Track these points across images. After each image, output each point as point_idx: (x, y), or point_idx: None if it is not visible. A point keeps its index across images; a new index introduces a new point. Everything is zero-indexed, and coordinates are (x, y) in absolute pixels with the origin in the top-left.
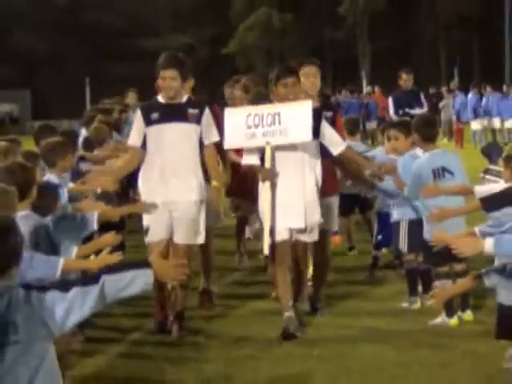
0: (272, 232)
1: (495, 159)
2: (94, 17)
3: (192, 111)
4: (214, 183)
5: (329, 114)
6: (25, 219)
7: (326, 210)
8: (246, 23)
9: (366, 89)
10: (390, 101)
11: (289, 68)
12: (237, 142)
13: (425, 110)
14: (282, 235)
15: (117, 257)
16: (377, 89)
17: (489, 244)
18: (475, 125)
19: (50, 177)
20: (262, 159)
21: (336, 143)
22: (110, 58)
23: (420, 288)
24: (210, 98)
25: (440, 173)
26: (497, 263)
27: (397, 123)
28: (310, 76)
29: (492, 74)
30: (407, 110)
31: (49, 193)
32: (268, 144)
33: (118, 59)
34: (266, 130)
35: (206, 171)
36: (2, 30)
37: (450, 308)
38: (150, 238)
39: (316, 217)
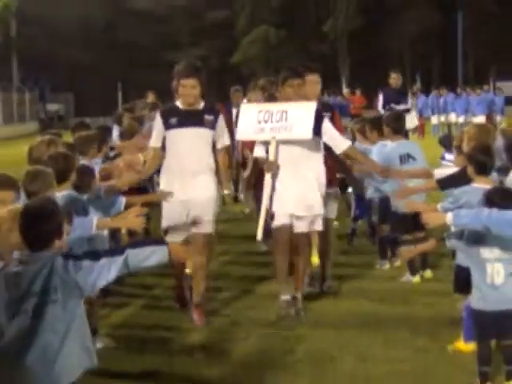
0: (272, 219)
1: (450, 148)
2: (125, 34)
3: (208, 117)
4: (226, 192)
5: (327, 114)
6: (66, 197)
7: (326, 201)
8: (249, 38)
9: (344, 91)
10: (380, 96)
11: (295, 70)
12: (247, 134)
13: (408, 106)
14: (281, 220)
15: (141, 222)
16: (357, 92)
17: (449, 216)
18: (434, 120)
19: (83, 162)
20: (267, 151)
21: (338, 143)
22: (137, 67)
23: (389, 253)
24: (219, 99)
25: (405, 158)
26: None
27: (369, 120)
28: (313, 83)
29: (448, 78)
30: (393, 105)
31: (86, 175)
32: (273, 138)
33: (144, 68)
34: (274, 126)
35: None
36: (54, 45)
37: (413, 268)
38: (170, 239)
39: (317, 208)
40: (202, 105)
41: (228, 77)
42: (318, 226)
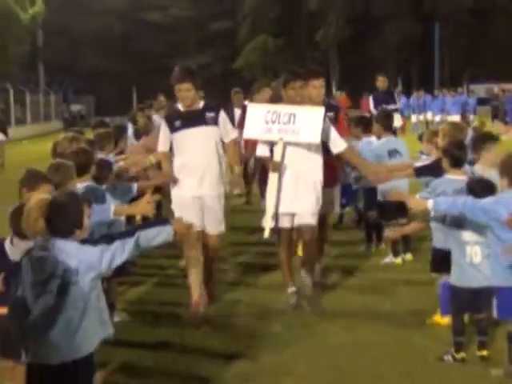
0: (276, 218)
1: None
2: (139, 43)
3: (209, 115)
4: (236, 169)
5: (331, 113)
6: (86, 187)
7: (328, 199)
8: (250, 46)
9: (334, 93)
10: (371, 98)
11: (295, 73)
12: (254, 133)
13: (398, 106)
14: (283, 221)
15: (152, 208)
16: (343, 94)
17: (430, 203)
18: (414, 119)
19: (101, 156)
20: (271, 151)
21: (337, 144)
22: (150, 72)
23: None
24: (224, 101)
25: (393, 153)
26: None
27: (354, 119)
28: (317, 87)
29: (426, 81)
30: (384, 105)
31: (104, 168)
32: (281, 140)
33: (156, 73)
34: (281, 128)
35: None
36: (76, 53)
37: (395, 250)
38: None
39: (316, 205)
40: (201, 104)
41: (231, 81)
42: (314, 221)
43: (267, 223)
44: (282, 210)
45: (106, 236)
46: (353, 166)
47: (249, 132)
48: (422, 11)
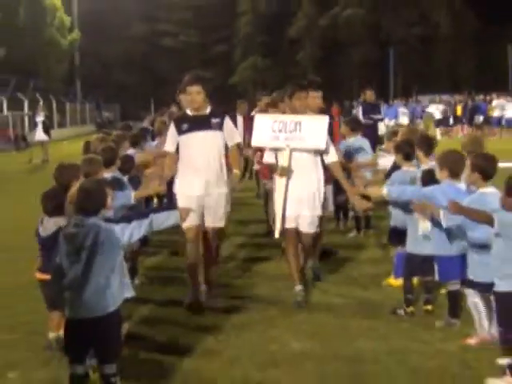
0: (283, 219)
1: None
2: (155, 62)
3: (214, 120)
4: (236, 171)
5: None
6: (112, 176)
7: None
8: (242, 65)
9: None
10: (360, 108)
11: (301, 85)
12: (262, 141)
13: (381, 116)
14: (290, 223)
15: (163, 188)
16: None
17: (385, 191)
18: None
19: (125, 153)
20: (276, 157)
21: (330, 154)
22: (164, 85)
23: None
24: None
25: (359, 150)
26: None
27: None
28: (315, 98)
29: (383, 93)
30: (371, 115)
31: (127, 162)
32: (288, 147)
33: (169, 86)
34: (288, 136)
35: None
36: (106, 70)
37: (359, 226)
38: (185, 224)
39: (318, 209)
40: (208, 110)
41: (227, 94)
42: (314, 228)
43: (277, 225)
44: (288, 211)
45: (127, 217)
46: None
47: (257, 140)
48: (379, 38)
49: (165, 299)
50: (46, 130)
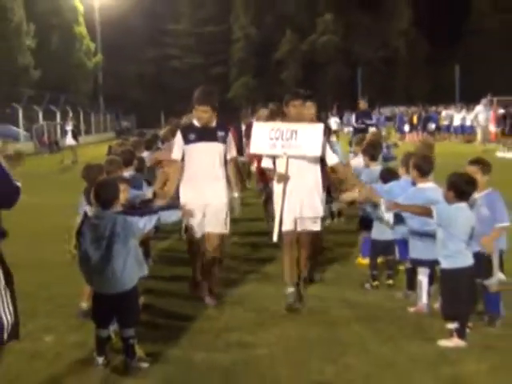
0: (281, 222)
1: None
2: (165, 80)
3: (220, 133)
4: (235, 194)
5: None
6: (130, 175)
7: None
8: (237, 84)
9: None
10: (353, 115)
11: (296, 93)
12: (260, 149)
13: (373, 122)
14: (287, 226)
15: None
16: None
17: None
18: (346, 130)
19: (140, 155)
20: (274, 163)
21: (330, 158)
22: (172, 100)
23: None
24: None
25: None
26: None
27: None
28: (310, 108)
29: (353, 106)
30: (364, 120)
31: (142, 162)
32: (285, 154)
33: (177, 101)
34: (284, 143)
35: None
36: (124, 87)
37: (333, 215)
38: (190, 233)
39: (319, 210)
40: (214, 123)
41: (225, 107)
42: (317, 227)
43: (275, 228)
44: (286, 214)
45: (140, 212)
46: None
47: (255, 148)
48: (350, 60)
49: (173, 275)
50: (75, 136)
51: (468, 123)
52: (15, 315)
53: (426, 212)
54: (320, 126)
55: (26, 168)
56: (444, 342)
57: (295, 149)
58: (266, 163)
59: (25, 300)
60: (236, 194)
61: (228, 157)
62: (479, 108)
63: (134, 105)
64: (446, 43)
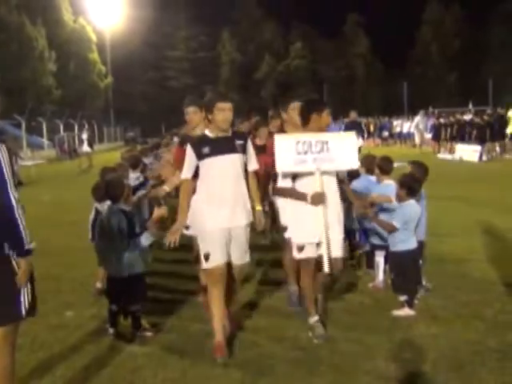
0: (301, 250)
1: None
2: (164, 98)
3: (238, 142)
4: (259, 207)
5: None
6: (136, 176)
7: None
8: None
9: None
10: (343, 126)
11: (323, 102)
12: (288, 166)
13: (363, 131)
14: (311, 251)
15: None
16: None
17: None
18: None
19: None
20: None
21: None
22: (171, 113)
23: None
24: None
25: None
26: None
27: None
28: (328, 116)
29: None
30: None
31: (145, 166)
32: (318, 170)
33: (174, 115)
34: (316, 157)
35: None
36: (131, 103)
37: None
38: (211, 264)
39: (342, 232)
40: (230, 131)
41: None
42: (342, 252)
43: (325, 258)
44: (308, 239)
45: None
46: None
47: (282, 165)
48: (317, 79)
49: (174, 259)
50: (90, 145)
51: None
52: (32, 294)
53: (388, 199)
54: (353, 136)
55: (50, 171)
56: (396, 312)
57: (329, 163)
58: (285, 183)
59: (51, 280)
60: (259, 208)
61: (249, 168)
62: (418, 118)
63: (139, 118)
64: (397, 65)
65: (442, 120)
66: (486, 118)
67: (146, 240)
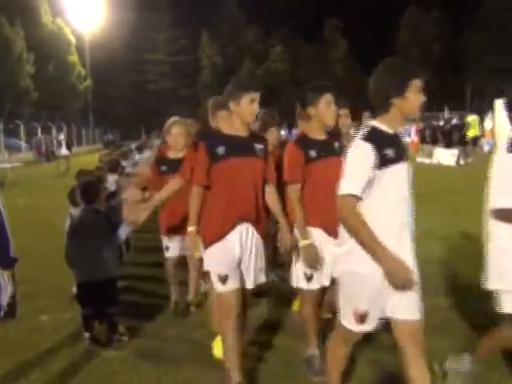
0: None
1: None
2: (144, 102)
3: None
4: (284, 224)
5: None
6: (115, 179)
7: None
8: (204, 103)
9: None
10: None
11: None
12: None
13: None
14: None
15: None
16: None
17: None
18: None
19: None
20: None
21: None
22: (150, 117)
23: None
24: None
25: None
26: None
27: None
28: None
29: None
30: None
31: (123, 168)
32: None
33: (153, 118)
34: None
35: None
36: (110, 106)
37: None
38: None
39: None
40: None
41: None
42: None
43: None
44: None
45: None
46: None
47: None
48: (296, 82)
49: (150, 262)
50: (68, 147)
51: None
52: (12, 296)
53: None
54: None
55: (27, 174)
56: None
57: None
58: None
59: (26, 284)
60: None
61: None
62: None
63: (118, 121)
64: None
65: (420, 124)
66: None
67: (124, 231)
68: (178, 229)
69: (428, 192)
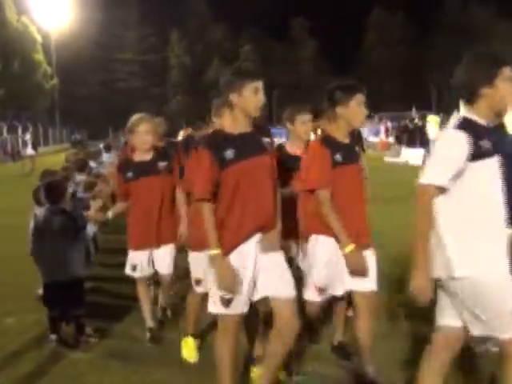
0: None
1: None
2: (113, 101)
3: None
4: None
5: None
6: (82, 179)
7: None
8: (173, 101)
9: None
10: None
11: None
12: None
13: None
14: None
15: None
16: None
17: None
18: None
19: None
20: None
21: None
22: (119, 117)
23: None
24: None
25: None
26: None
27: None
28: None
29: (270, 121)
30: None
31: (90, 169)
32: None
33: (122, 118)
34: None
35: None
36: (78, 105)
37: None
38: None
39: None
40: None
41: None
42: None
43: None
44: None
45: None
46: None
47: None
48: (267, 84)
49: (118, 263)
50: (34, 147)
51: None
52: None
53: None
54: None
55: None
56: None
57: None
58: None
59: None
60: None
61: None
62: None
63: (85, 120)
64: (345, 68)
65: (389, 124)
66: (411, 123)
67: (91, 228)
68: (148, 241)
69: (397, 193)
